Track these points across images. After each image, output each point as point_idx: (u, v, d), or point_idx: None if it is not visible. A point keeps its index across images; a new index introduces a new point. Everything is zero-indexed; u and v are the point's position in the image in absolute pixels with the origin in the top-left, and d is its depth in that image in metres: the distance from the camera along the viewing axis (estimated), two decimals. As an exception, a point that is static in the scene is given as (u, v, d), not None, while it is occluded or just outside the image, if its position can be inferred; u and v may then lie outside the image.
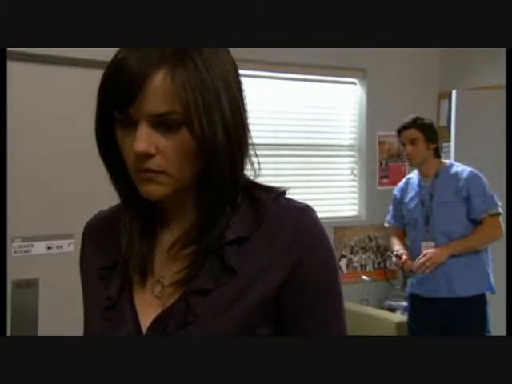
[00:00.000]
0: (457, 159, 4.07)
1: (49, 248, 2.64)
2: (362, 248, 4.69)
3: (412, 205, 3.35)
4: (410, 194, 3.38)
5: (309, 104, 4.52)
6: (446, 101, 4.64)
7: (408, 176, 3.49)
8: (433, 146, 3.29)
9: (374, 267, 4.74)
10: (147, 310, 0.90)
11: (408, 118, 3.32)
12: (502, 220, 3.23)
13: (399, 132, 3.33)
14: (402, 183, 3.49)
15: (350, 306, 4.27)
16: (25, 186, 2.98)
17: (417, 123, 3.27)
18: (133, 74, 0.81)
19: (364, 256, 4.71)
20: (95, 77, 0.92)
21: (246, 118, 0.93)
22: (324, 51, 4.06)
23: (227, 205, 0.90)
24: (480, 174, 3.27)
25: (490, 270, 3.23)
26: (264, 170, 3.74)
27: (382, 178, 4.76)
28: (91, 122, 0.92)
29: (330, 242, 0.93)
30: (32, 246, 2.81)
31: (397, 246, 3.45)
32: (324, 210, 4.49)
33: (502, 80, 3.87)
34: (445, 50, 4.85)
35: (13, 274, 2.73)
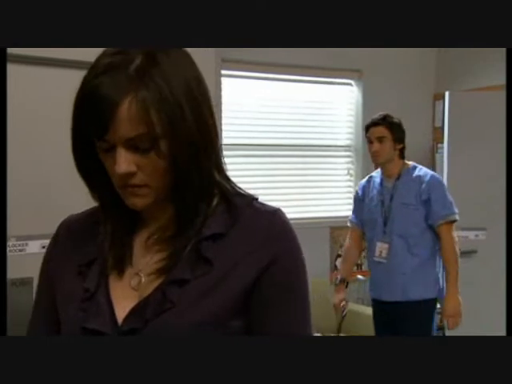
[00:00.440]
0: (450, 160, 4.10)
1: (43, 247, 2.65)
2: (357, 248, 4.70)
3: (372, 204, 3.30)
4: (372, 193, 3.33)
5: (305, 105, 4.55)
6: (442, 102, 4.66)
7: (371, 174, 3.43)
8: (399, 147, 3.23)
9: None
10: (124, 301, 0.95)
11: (377, 115, 3.25)
12: (455, 228, 3.19)
13: (367, 128, 3.25)
14: (364, 181, 3.44)
15: (346, 305, 4.29)
16: (20, 186, 2.98)
17: (386, 121, 3.20)
18: (103, 106, 0.87)
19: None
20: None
21: (214, 126, 0.98)
22: (320, 52, 4.08)
23: (201, 206, 0.97)
24: (441, 179, 3.25)
25: (440, 275, 3.21)
26: (261, 170, 3.74)
27: (377, 178, 4.76)
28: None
29: (298, 242, 0.99)
30: (26, 245, 2.83)
31: (340, 272, 3.52)
32: (320, 210, 4.51)
33: (498, 81, 3.90)
34: (441, 50, 4.87)
35: (8, 273, 2.74)
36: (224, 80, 4.16)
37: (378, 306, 3.31)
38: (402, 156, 3.27)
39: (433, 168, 4.87)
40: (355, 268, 4.67)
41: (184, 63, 0.96)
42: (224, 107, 4.17)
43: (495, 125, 3.58)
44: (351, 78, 4.69)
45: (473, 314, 3.95)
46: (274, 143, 4.45)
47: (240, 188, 1.04)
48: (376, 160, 3.25)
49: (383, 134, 3.17)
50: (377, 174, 3.36)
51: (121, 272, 0.98)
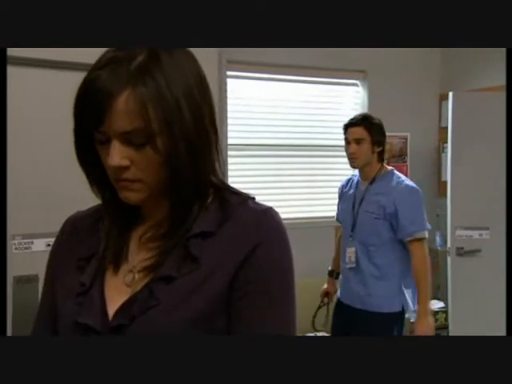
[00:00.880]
0: (453, 160, 4.10)
1: (48, 245, 2.68)
2: (362, 247, 4.71)
3: (345, 205, 3.17)
4: (347, 193, 3.19)
5: (311, 105, 4.55)
6: (447, 102, 4.67)
7: (353, 173, 3.27)
8: (378, 149, 3.03)
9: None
10: (117, 296, 0.96)
11: (357, 115, 3.10)
12: (426, 244, 3.01)
13: (346, 128, 3.07)
14: (344, 180, 3.31)
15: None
16: (25, 185, 3.02)
17: (366, 122, 3.02)
18: (101, 97, 0.88)
19: (365, 256, 4.72)
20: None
21: (213, 126, 0.99)
22: (325, 53, 4.09)
23: (195, 205, 0.97)
24: (415, 192, 3.00)
25: (405, 290, 2.99)
26: (267, 170, 3.73)
27: (383, 178, 4.78)
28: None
29: (287, 241, 0.99)
30: (32, 243, 2.86)
31: (331, 264, 3.38)
32: (326, 210, 4.51)
33: (503, 81, 3.90)
34: (446, 51, 4.87)
35: (13, 270, 2.77)
36: (230, 81, 4.18)
37: (340, 306, 3.16)
38: (380, 159, 3.08)
39: (439, 168, 4.89)
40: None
41: (186, 63, 0.96)
42: (230, 108, 4.20)
43: (499, 125, 3.59)
44: (357, 79, 4.69)
45: (477, 313, 3.96)
46: (280, 143, 4.46)
47: (234, 189, 1.03)
48: (353, 163, 3.07)
49: (361, 135, 3.00)
50: (357, 173, 3.21)
51: (117, 267, 1.00)
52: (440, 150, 4.94)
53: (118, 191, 0.96)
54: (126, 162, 0.92)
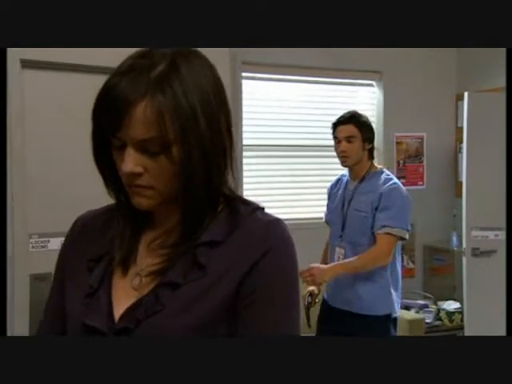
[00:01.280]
0: (469, 160, 4.08)
1: (64, 244, 2.73)
2: (378, 248, 4.72)
3: (333, 205, 3.10)
4: (336, 194, 3.12)
5: (326, 106, 4.56)
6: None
7: (342, 173, 3.20)
8: (368, 147, 2.99)
9: (390, 267, 4.76)
10: (124, 299, 0.98)
11: (345, 113, 3.03)
12: (395, 244, 2.87)
13: (335, 127, 3.01)
14: (334, 181, 3.22)
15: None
16: (42, 186, 3.08)
17: (355, 119, 2.96)
18: (120, 104, 0.90)
19: (380, 256, 4.73)
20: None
21: (229, 135, 0.99)
22: (341, 54, 4.10)
23: (206, 214, 0.99)
24: (402, 193, 2.92)
25: (394, 292, 2.93)
26: (281, 170, 3.70)
27: (399, 178, 4.74)
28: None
29: (294, 251, 1.00)
30: (48, 241, 2.91)
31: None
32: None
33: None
34: (462, 50, 4.85)
35: (30, 268, 2.82)
36: (245, 82, 4.21)
37: (327, 309, 3.06)
38: (370, 157, 3.03)
39: (456, 168, 4.87)
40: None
41: (204, 71, 0.97)
42: (245, 109, 4.23)
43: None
44: (372, 79, 4.70)
45: (492, 313, 3.94)
46: (295, 144, 4.48)
47: (244, 198, 1.04)
48: (345, 161, 2.99)
49: (352, 133, 2.93)
50: (346, 173, 3.14)
51: (125, 270, 1.01)
52: (457, 150, 4.92)
53: (131, 196, 0.97)
54: (139, 169, 0.93)
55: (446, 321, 4.39)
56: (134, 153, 0.92)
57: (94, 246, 1.05)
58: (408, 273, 4.80)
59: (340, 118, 3.01)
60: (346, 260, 2.90)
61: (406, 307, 4.41)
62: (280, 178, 4.43)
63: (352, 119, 2.96)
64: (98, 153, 0.99)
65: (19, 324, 2.71)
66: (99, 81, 0.97)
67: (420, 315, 4.23)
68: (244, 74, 4.20)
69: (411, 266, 4.83)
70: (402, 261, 4.76)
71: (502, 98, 4.08)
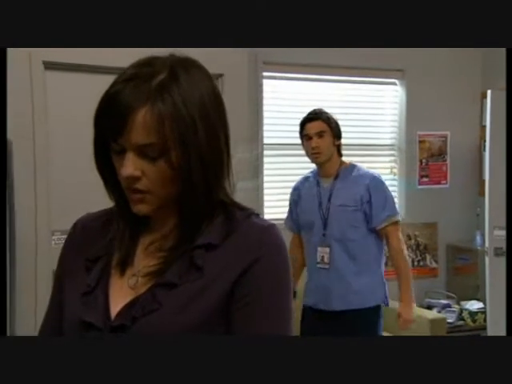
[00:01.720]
0: (492, 159, 4.05)
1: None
2: (401, 246, 4.71)
3: (308, 206, 3.04)
4: (307, 194, 3.08)
5: (349, 104, 4.56)
6: (489, 100, 4.60)
7: (305, 175, 3.18)
8: (338, 142, 3.00)
9: (413, 265, 4.74)
10: (120, 298, 1.01)
11: (311, 111, 3.03)
12: (400, 228, 3.01)
13: (303, 125, 3.00)
14: (298, 182, 3.18)
15: (386, 303, 4.30)
16: (65, 184, 3.17)
17: (324, 116, 2.98)
18: (122, 110, 0.94)
19: (403, 254, 4.72)
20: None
21: (226, 141, 1.03)
22: (363, 53, 4.10)
23: (203, 219, 1.02)
24: (382, 180, 3.03)
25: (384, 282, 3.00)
26: (304, 169, 3.68)
27: (422, 177, 4.76)
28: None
29: (286, 256, 1.03)
30: (71, 238, 2.99)
31: None
32: (363, 209, 4.53)
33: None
34: (488, 48, 4.80)
35: (53, 264, 2.90)
36: (266, 81, 4.25)
37: (313, 315, 3.01)
38: (339, 154, 3.04)
39: (480, 167, 4.83)
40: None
41: (202, 82, 1.00)
42: (266, 108, 4.26)
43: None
44: (395, 78, 4.68)
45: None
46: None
47: (241, 204, 1.07)
48: (317, 158, 2.98)
49: (323, 128, 2.95)
50: (311, 173, 3.13)
51: (123, 271, 1.04)
52: (481, 148, 4.87)
53: (131, 204, 1.01)
54: (138, 173, 0.96)
55: (468, 321, 4.36)
56: (133, 157, 0.96)
57: (92, 246, 1.08)
58: (431, 272, 4.78)
59: (307, 115, 3.03)
60: (402, 285, 2.93)
61: (429, 307, 4.40)
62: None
63: (320, 115, 2.99)
64: (99, 158, 1.03)
65: (41, 318, 2.79)
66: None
67: (441, 315, 4.21)
68: (265, 74, 4.23)
69: (434, 265, 4.81)
70: (425, 260, 4.78)
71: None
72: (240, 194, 1.10)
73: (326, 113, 3.03)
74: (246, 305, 0.98)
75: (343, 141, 4.52)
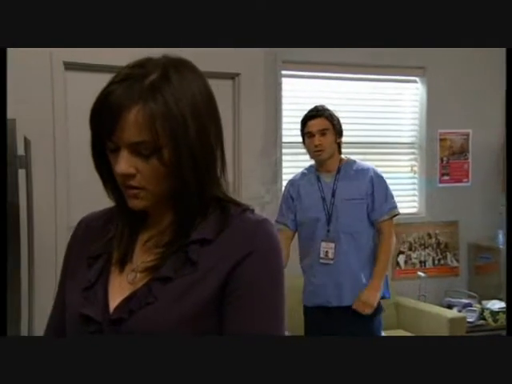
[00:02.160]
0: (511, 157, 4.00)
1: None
2: (421, 245, 4.68)
3: (311, 202, 3.01)
4: (308, 190, 3.04)
5: (369, 102, 4.56)
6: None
7: (302, 171, 3.15)
8: (339, 140, 3.02)
9: (434, 264, 4.71)
10: (119, 293, 1.04)
11: (313, 108, 3.03)
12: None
13: (305, 122, 3.00)
14: (295, 179, 3.15)
15: (406, 301, 4.28)
16: (84, 180, 3.20)
17: (326, 113, 2.97)
18: (115, 109, 0.97)
19: (424, 253, 4.69)
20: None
21: (220, 141, 1.06)
22: (383, 50, 4.08)
23: (197, 214, 1.04)
24: (381, 173, 3.07)
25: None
26: None
27: (442, 175, 4.72)
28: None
29: (279, 250, 1.05)
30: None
31: None
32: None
33: None
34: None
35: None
36: (285, 80, 4.25)
37: (322, 313, 2.98)
38: (339, 151, 3.05)
39: (503, 164, 4.78)
40: (418, 265, 4.65)
41: (194, 82, 1.03)
42: (286, 106, 4.26)
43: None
44: (416, 75, 4.65)
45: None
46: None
47: (236, 200, 1.09)
48: (319, 155, 2.97)
49: (325, 125, 2.95)
50: (308, 170, 3.12)
51: (122, 268, 1.07)
52: (505, 146, 4.82)
53: (127, 199, 1.04)
54: (132, 170, 0.99)
55: (489, 320, 4.32)
56: (127, 154, 0.99)
57: (94, 244, 1.12)
58: (452, 271, 4.75)
59: (309, 112, 3.02)
60: (376, 272, 2.92)
61: (449, 306, 4.37)
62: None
63: (323, 112, 2.98)
64: (96, 157, 1.07)
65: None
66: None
67: (461, 314, 4.18)
68: (284, 72, 4.24)
69: (455, 264, 4.78)
70: (446, 259, 4.74)
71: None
72: (259, 199, 1.10)
73: (329, 110, 3.02)
74: (238, 298, 1.00)
75: (363, 139, 4.58)
